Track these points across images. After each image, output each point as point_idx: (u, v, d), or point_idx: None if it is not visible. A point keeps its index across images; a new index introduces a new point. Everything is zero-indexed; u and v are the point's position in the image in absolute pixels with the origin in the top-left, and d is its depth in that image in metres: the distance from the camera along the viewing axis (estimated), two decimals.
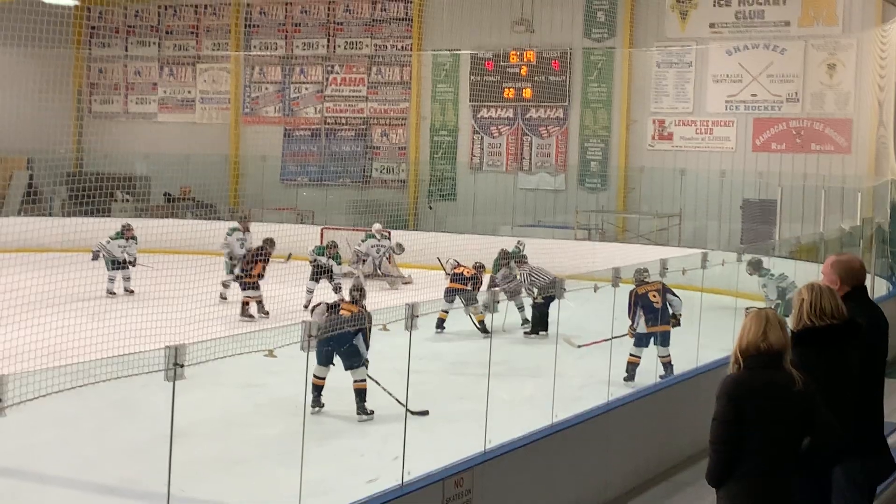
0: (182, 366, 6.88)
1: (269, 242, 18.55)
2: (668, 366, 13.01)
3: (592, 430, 9.33)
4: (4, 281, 17.72)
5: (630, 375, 12.99)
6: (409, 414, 10.31)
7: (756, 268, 16.17)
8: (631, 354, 13.18)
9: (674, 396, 10.96)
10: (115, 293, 19.86)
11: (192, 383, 7.06)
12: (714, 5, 25.51)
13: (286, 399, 11.41)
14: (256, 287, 17.87)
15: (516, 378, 12.78)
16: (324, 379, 11.43)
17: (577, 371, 12.98)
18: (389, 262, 22.45)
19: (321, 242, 22.39)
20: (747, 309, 5.37)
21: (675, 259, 16.15)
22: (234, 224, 21.31)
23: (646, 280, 13.51)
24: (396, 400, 10.49)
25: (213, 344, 7.59)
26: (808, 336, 5.67)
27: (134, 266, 20.25)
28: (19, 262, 18.43)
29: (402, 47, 29.43)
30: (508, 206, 27.36)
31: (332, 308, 12.01)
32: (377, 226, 21.98)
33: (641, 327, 13.17)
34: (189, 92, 32.20)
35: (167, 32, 32.41)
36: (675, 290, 13.47)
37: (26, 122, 24.47)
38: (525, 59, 27.46)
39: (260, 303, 17.82)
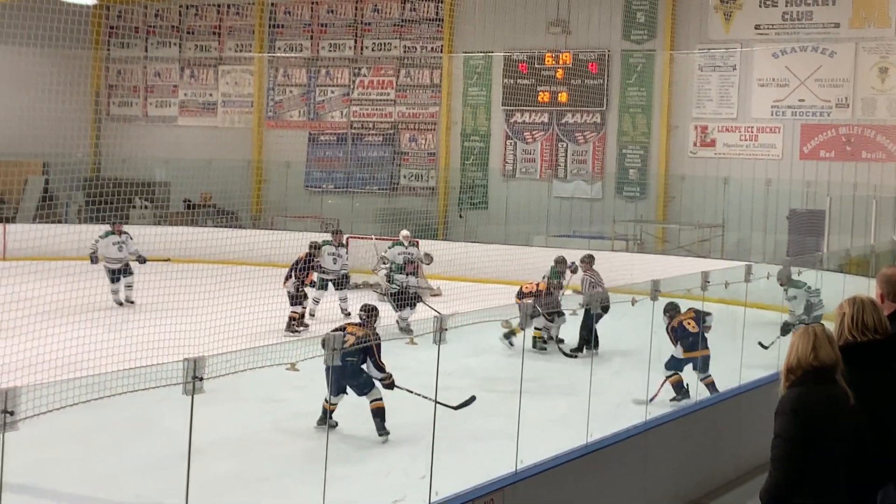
0: (201, 379, 6.91)
1: (316, 246, 18.85)
2: (711, 386, 12.93)
3: (630, 450, 9.29)
4: (19, 290, 17.85)
5: (683, 393, 12.91)
6: (455, 410, 10.38)
7: (787, 279, 15.99)
8: (667, 376, 13.12)
9: (715, 416, 10.90)
10: (122, 303, 20.03)
11: (212, 397, 7.09)
12: (760, 6, 25.40)
13: (309, 415, 11.45)
14: (305, 298, 18.16)
15: (549, 396, 12.74)
16: (336, 405, 11.25)
17: (613, 389, 12.93)
18: (417, 274, 22.44)
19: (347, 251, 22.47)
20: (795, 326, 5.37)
21: (717, 272, 16.05)
22: (326, 236, 21.00)
23: (678, 312, 13.46)
24: (434, 401, 10.40)
25: (233, 356, 7.62)
26: (850, 351, 5.67)
27: (143, 263, 20.29)
28: (34, 270, 18.52)
29: (433, 49, 29.47)
30: (542, 216, 27.31)
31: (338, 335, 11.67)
32: (405, 232, 21.96)
33: (678, 353, 13.14)
34: (211, 95, 32.39)
35: (189, 33, 32.62)
36: (705, 310, 13.41)
37: (42, 125, 24.67)
38: (561, 62, 27.42)
39: (302, 316, 18.04)
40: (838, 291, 16.24)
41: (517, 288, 17.69)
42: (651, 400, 12.30)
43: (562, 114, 27.78)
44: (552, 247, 23.11)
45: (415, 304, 17.69)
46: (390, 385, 11.19)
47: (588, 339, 15.65)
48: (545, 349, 16.18)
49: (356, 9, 30.38)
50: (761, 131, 25.50)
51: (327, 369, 10.67)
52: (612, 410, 10.63)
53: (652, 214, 26.73)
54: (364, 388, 11.24)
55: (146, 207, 29.03)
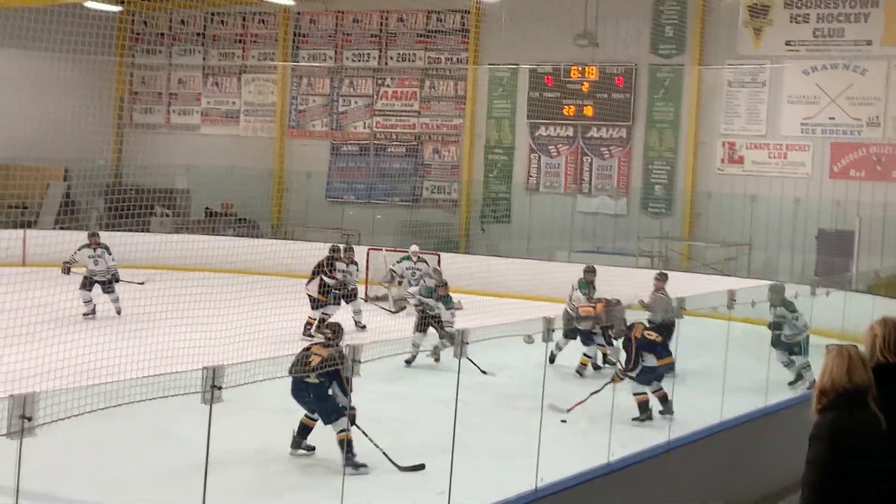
0: (220, 388, 6.93)
1: (336, 250, 18.98)
2: (664, 400, 13.00)
3: (651, 470, 9.25)
4: (38, 296, 17.96)
5: (647, 415, 12.94)
6: (400, 470, 10.36)
7: (780, 300, 15.60)
8: (636, 394, 13.14)
9: (740, 437, 10.85)
10: (88, 314, 19.13)
11: (229, 407, 7.11)
12: (791, 22, 25.33)
13: (326, 426, 11.43)
14: (325, 304, 18.47)
15: (571, 413, 12.69)
16: (315, 420, 10.99)
17: (636, 408, 12.90)
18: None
19: (367, 264, 22.54)
20: (829, 346, 5.34)
21: (743, 291, 15.98)
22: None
23: (631, 325, 13.51)
24: (384, 454, 10.51)
25: (251, 366, 7.64)
26: (882, 372, 5.62)
27: (117, 282, 19.61)
28: (53, 277, 18.66)
29: (458, 60, 29.52)
30: (566, 231, 27.27)
31: (302, 356, 10.95)
32: (414, 248, 22.01)
33: (651, 362, 13.14)
34: (233, 103, 32.53)
35: (213, 40, 32.79)
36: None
37: (65, 131, 24.82)
38: (587, 75, 27.42)
39: (321, 321, 18.15)
40: (867, 313, 16.14)
41: (539, 303, 17.67)
42: (569, 411, 12.30)
43: (587, 128, 27.75)
44: (575, 262, 23.06)
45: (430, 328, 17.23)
46: (350, 419, 10.54)
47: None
48: (582, 374, 15.89)
49: (381, 19, 30.47)
50: (790, 149, 25.41)
51: (292, 392, 10.72)
52: (635, 430, 10.60)
53: (678, 231, 26.65)
54: (330, 415, 10.70)
55: (167, 215, 29.13)
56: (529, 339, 11.91)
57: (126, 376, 10.01)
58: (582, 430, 11.93)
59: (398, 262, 21.88)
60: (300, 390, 10.69)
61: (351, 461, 10.40)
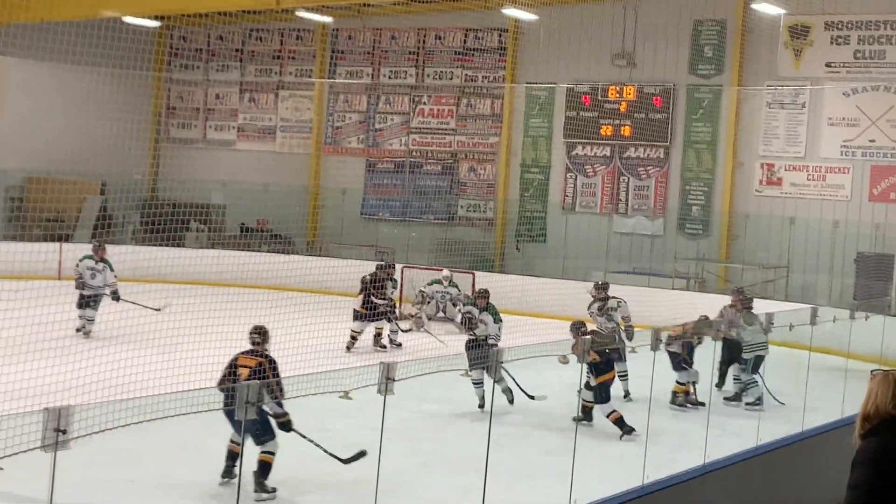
0: (253, 404, 6.94)
1: (381, 267, 19.15)
2: (619, 422, 13.01)
3: (687, 494, 9.18)
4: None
5: (626, 430, 12.96)
6: (344, 463, 10.15)
7: (747, 309, 16.36)
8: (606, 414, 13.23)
9: (777, 462, 10.74)
10: (80, 329, 18.28)
11: None
12: (831, 43, 25.19)
13: (360, 446, 11.41)
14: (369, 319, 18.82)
15: (606, 435, 12.63)
16: (240, 445, 10.14)
17: (671, 431, 12.82)
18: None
19: (401, 281, 22.57)
20: (873, 371, 5.27)
21: (781, 314, 15.87)
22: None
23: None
24: (324, 451, 10.27)
25: (285, 383, 7.65)
26: None
27: (116, 301, 18.46)
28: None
29: (495, 79, 29.56)
30: (602, 251, 27.19)
31: (230, 369, 10.36)
32: (445, 272, 22.16)
33: (593, 381, 13.22)
34: (270, 119, 32.70)
35: (251, 56, 33.02)
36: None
37: (102, 145, 25.03)
38: (625, 95, 27.39)
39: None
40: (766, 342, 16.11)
41: (569, 322, 17.54)
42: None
43: (624, 148, 27.69)
44: (611, 282, 22.96)
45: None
46: (286, 425, 9.99)
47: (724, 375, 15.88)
48: (685, 406, 15.22)
49: (419, 36, 30.57)
50: (830, 171, 25.23)
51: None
52: (670, 453, 10.52)
53: (714, 253, 26.51)
54: (263, 435, 9.93)
55: (202, 230, 29.28)
56: (564, 360, 11.86)
57: (159, 391, 10.05)
58: (617, 452, 11.85)
59: (429, 285, 21.97)
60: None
61: (262, 485, 9.95)
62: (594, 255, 27.08)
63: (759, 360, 15.56)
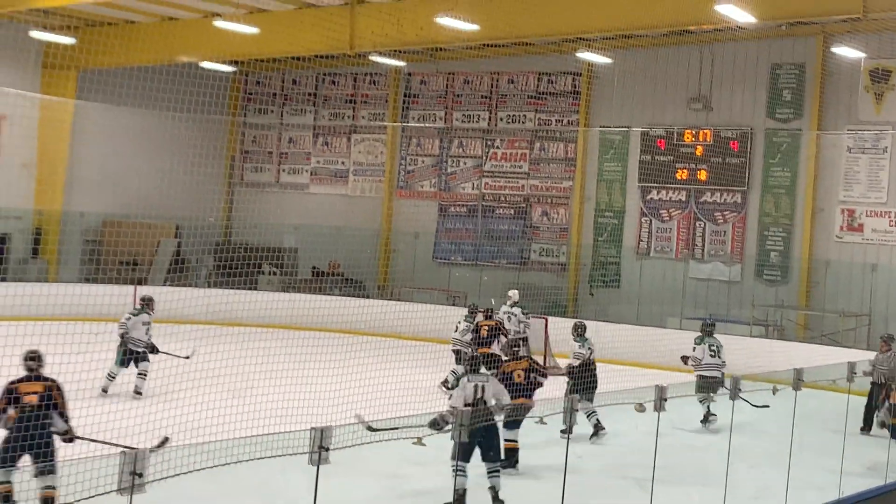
0: (327, 449, 6.96)
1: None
2: (512, 452, 12.91)
3: None
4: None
5: (510, 462, 12.78)
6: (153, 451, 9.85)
7: (707, 333, 17.50)
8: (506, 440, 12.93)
9: None
10: (106, 390, 16.73)
11: (334, 469, 7.13)
12: None
13: (430, 493, 11.39)
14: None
15: (683, 484, 12.45)
16: (11, 485, 9.44)
17: (749, 481, 12.62)
18: (547, 348, 22.32)
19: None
20: None
21: (863, 363, 15.61)
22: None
23: (516, 357, 14.10)
24: (112, 444, 9.52)
25: (359, 427, 7.67)
26: None
27: (155, 353, 17.43)
28: (163, 333, 19.01)
29: (568, 122, 29.59)
30: (677, 297, 26.97)
31: (11, 396, 9.78)
32: (512, 292, 21.97)
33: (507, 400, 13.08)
34: (343, 163, 33.03)
35: (324, 100, 33.42)
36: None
37: (178, 189, 25.46)
38: (701, 139, 27.25)
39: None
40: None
41: (649, 371, 17.47)
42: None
43: (700, 192, 27.51)
44: (687, 329, 22.77)
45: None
46: (71, 439, 9.63)
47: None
48: None
49: (492, 80, 30.73)
50: None
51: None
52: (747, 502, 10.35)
53: (794, 300, 26.16)
54: (47, 465, 9.26)
55: (274, 273, 29.58)
56: (641, 408, 11.78)
57: (233, 435, 10.11)
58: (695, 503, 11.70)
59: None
60: (18, 439, 9.29)
61: None
62: (669, 300, 26.85)
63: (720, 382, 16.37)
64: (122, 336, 17.08)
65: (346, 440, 7.27)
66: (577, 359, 16.17)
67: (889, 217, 25.07)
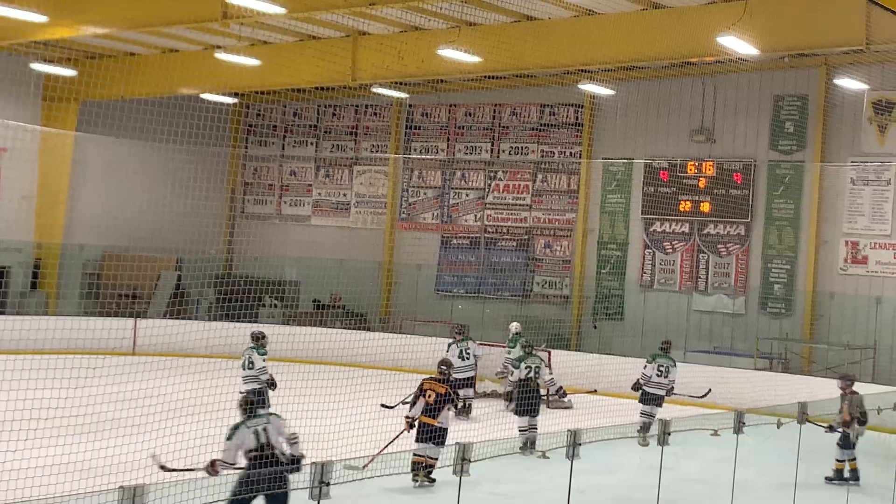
0: (328, 484, 6.98)
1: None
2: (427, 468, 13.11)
3: None
4: (145, 386, 18.32)
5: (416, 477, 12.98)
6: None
7: (663, 351, 18.97)
8: (415, 454, 13.23)
9: None
10: None
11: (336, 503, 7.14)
12: None
13: None
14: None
15: None
16: None
17: None
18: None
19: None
20: None
21: (869, 397, 15.61)
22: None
23: (443, 380, 14.42)
24: None
25: (360, 462, 7.69)
26: None
27: (273, 389, 17.63)
28: (162, 367, 19.04)
29: (571, 154, 29.68)
30: (681, 329, 26.95)
31: None
32: (514, 325, 22.10)
33: (417, 412, 13.58)
34: (344, 195, 33.12)
35: (326, 132, 33.55)
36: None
37: (179, 221, 25.52)
38: (704, 171, 27.33)
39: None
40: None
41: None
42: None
43: (704, 224, 27.56)
44: (690, 362, 22.77)
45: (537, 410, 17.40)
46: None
47: None
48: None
49: (494, 112, 30.86)
50: None
51: None
52: None
53: (798, 333, 26.15)
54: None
55: (275, 306, 29.60)
56: (645, 442, 11.77)
57: (233, 470, 10.11)
58: None
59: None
60: None
61: None
62: (673, 333, 26.72)
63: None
64: (267, 382, 17.26)
65: (347, 475, 7.29)
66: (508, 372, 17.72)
67: (893, 249, 25.11)
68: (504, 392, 21.19)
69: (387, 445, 13.55)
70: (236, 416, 16.22)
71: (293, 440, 10.25)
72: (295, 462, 9.84)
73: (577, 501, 8.22)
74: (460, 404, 14.68)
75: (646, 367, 18.62)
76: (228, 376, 19.54)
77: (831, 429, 15.12)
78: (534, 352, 18.03)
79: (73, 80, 25.82)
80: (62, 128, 28.55)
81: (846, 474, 15.22)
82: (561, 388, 18.24)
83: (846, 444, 15.38)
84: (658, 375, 18.54)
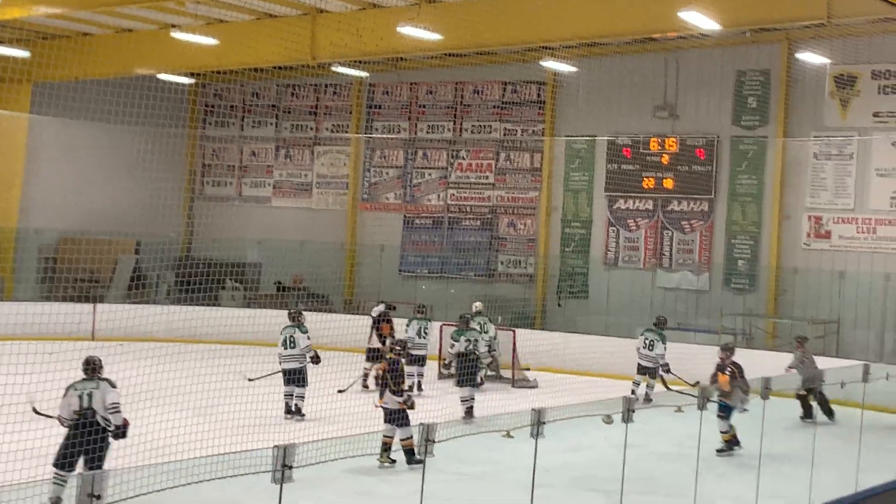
0: (291, 467, 6.96)
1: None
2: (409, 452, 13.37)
3: None
4: (106, 371, 18.17)
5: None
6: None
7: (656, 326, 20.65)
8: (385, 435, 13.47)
9: None
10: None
11: (300, 486, 7.12)
12: (879, 93, 25.12)
13: None
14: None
15: (654, 497, 12.51)
16: None
17: (718, 492, 12.70)
18: (514, 360, 22.37)
19: (440, 338, 22.51)
20: None
21: (832, 370, 15.75)
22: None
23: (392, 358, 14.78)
24: None
25: (324, 445, 7.66)
26: None
27: (317, 363, 18.09)
28: (122, 352, 18.90)
29: (534, 132, 29.68)
30: (645, 306, 27.07)
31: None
32: (477, 304, 22.31)
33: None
34: (306, 175, 32.97)
35: (286, 112, 33.38)
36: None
37: (137, 204, 25.35)
38: (667, 147, 27.40)
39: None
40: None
41: (616, 381, 17.54)
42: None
43: (667, 201, 27.66)
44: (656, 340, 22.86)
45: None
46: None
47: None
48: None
49: (456, 91, 30.79)
50: (880, 223, 25.07)
51: None
52: None
53: (762, 308, 26.33)
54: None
55: (237, 289, 29.48)
56: (609, 420, 11.81)
57: (195, 454, 10.07)
58: None
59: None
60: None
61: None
62: (638, 311, 26.95)
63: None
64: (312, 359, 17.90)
65: (311, 457, 7.26)
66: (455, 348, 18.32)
67: (856, 223, 25.30)
68: (444, 362, 21.71)
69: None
70: (202, 399, 16.19)
71: (113, 409, 11.10)
72: (118, 429, 11.13)
73: (542, 480, 8.24)
74: (406, 387, 14.55)
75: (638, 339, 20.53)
76: (189, 360, 19.48)
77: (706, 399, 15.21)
78: (471, 324, 19.44)
79: (26, 61, 25.47)
80: (15, 110, 28.22)
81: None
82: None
83: (728, 413, 15.55)
84: (643, 348, 20.24)
